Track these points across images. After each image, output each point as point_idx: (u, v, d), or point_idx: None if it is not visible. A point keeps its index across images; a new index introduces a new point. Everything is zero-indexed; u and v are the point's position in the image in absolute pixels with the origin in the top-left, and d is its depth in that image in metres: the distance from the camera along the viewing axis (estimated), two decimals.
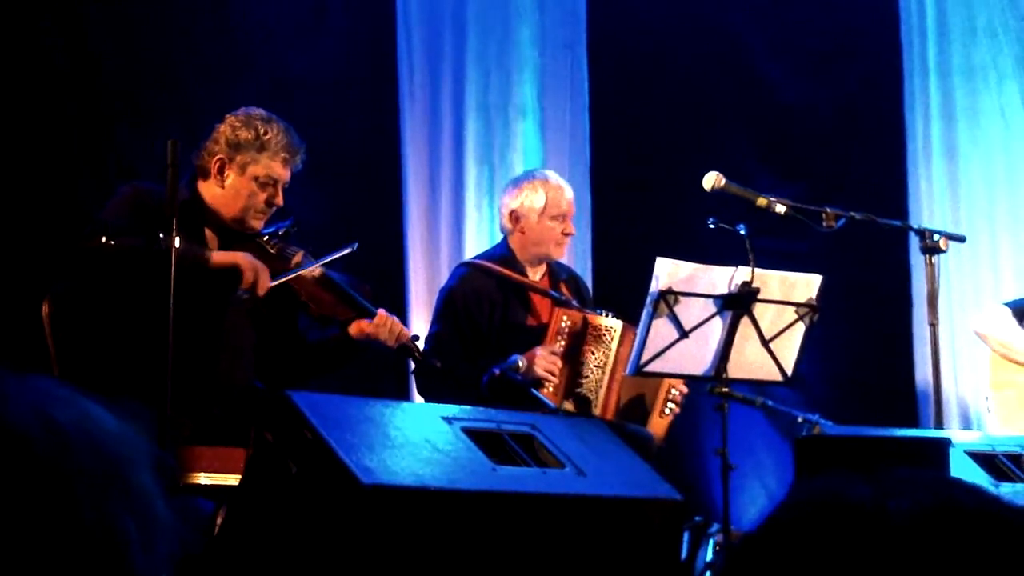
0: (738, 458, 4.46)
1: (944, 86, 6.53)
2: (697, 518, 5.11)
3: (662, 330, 4.25)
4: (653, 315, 4.23)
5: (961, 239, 4.72)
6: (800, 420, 4.80)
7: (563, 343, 4.67)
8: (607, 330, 4.72)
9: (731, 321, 4.30)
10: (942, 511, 0.93)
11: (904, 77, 6.55)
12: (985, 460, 3.83)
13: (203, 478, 3.64)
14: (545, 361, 4.56)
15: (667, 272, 4.24)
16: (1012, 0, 6.49)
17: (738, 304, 4.28)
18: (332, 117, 5.92)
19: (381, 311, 4.02)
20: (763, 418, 5.86)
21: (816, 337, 4.56)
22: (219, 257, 3.77)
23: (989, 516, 0.94)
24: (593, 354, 4.70)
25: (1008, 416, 5.32)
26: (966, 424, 6.21)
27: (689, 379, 4.63)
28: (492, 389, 4.49)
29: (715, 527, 5.03)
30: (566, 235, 4.90)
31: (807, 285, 4.41)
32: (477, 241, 6.09)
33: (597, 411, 4.67)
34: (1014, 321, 5.35)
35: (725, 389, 4.34)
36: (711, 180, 4.50)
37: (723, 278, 4.30)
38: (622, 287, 5.40)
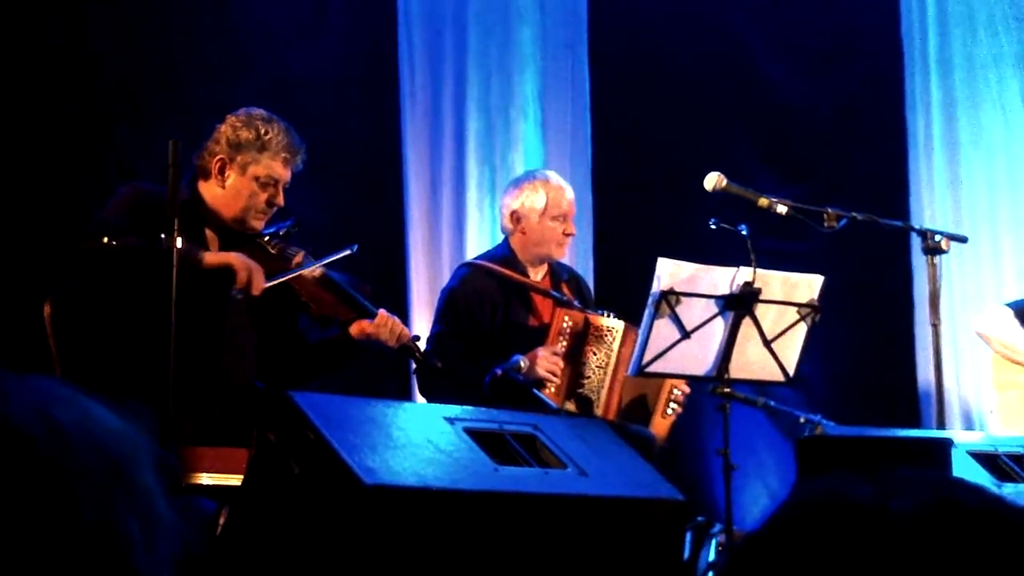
0: (740, 458, 4.46)
1: (945, 86, 6.53)
2: (699, 518, 5.11)
3: (664, 330, 4.25)
4: (655, 315, 4.23)
5: (963, 239, 4.72)
6: (802, 420, 4.80)
7: (565, 343, 4.67)
8: (609, 330, 4.72)
9: (733, 321, 4.30)
10: (944, 511, 0.93)
11: (905, 77, 6.55)
12: (987, 460, 3.83)
13: (205, 478, 3.64)
14: (547, 362, 4.56)
15: (669, 272, 4.24)
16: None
17: (740, 304, 4.28)
18: (333, 117, 5.92)
19: (382, 311, 4.02)
20: (765, 418, 5.85)
21: (818, 337, 4.56)
22: (212, 258, 3.76)
23: (991, 516, 0.94)
24: (595, 354, 4.70)
25: (1010, 416, 5.32)
26: (968, 424, 6.21)
27: (691, 379, 4.63)
28: (494, 390, 4.49)
29: (717, 527, 5.03)
30: (567, 235, 4.90)
31: (809, 285, 4.41)
32: (478, 241, 6.09)
33: (599, 411, 4.67)
34: (1016, 322, 5.35)
35: (727, 389, 4.33)
36: (712, 180, 4.50)
37: (725, 278, 4.29)
38: (624, 287, 5.40)
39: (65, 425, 0.91)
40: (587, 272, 6.04)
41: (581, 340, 4.70)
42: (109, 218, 3.73)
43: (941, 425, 4.57)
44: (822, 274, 4.43)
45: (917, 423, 6.00)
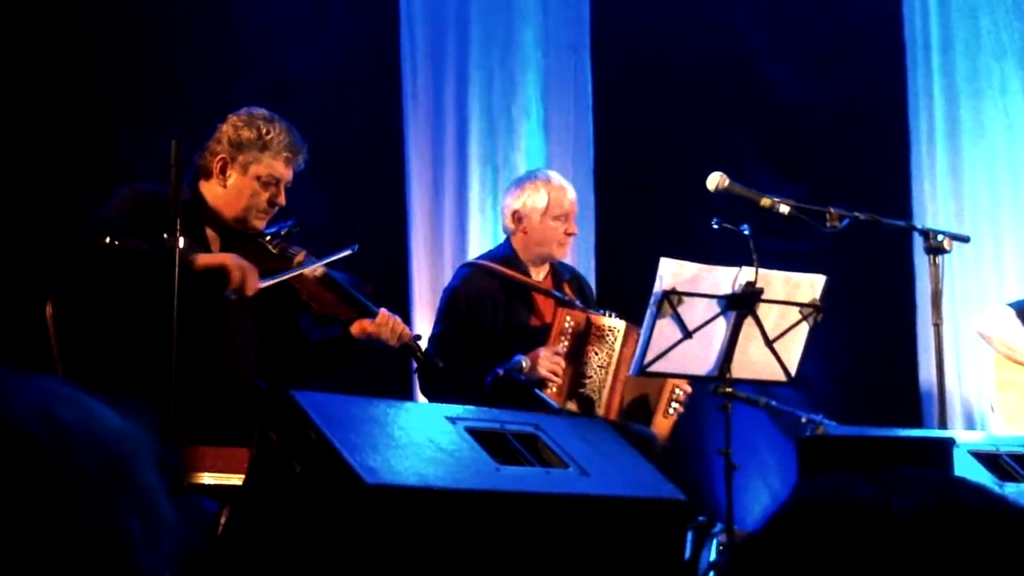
0: (742, 458, 4.46)
1: (947, 85, 6.52)
2: (701, 518, 5.11)
3: (666, 330, 4.25)
4: (657, 315, 4.23)
5: (965, 239, 4.72)
6: (804, 420, 4.80)
7: (566, 343, 4.67)
8: (610, 330, 4.72)
9: (735, 321, 4.30)
10: (946, 510, 0.93)
11: (907, 76, 6.55)
12: (989, 460, 3.82)
13: (207, 478, 3.64)
14: (548, 362, 4.56)
15: (671, 272, 4.24)
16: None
17: (742, 304, 4.28)
18: (335, 118, 5.92)
19: (383, 310, 4.02)
20: (767, 418, 5.85)
21: (820, 337, 4.56)
22: (205, 259, 3.73)
23: (993, 515, 0.94)
24: (596, 354, 4.70)
25: (1012, 416, 5.32)
26: (970, 424, 6.21)
27: (693, 379, 4.63)
28: (496, 390, 4.49)
29: (719, 527, 5.03)
30: (569, 235, 4.90)
31: (811, 285, 4.40)
32: (481, 241, 6.09)
33: (600, 411, 4.67)
34: (1018, 322, 5.35)
35: (729, 389, 4.34)
36: (715, 180, 4.50)
37: (727, 278, 4.29)
38: (626, 287, 5.40)
39: (67, 424, 0.91)
40: (589, 272, 6.04)
41: (583, 340, 4.70)
42: (111, 217, 3.73)
43: (943, 425, 4.56)
44: (824, 274, 4.43)
45: (919, 423, 5.99)
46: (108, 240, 3.58)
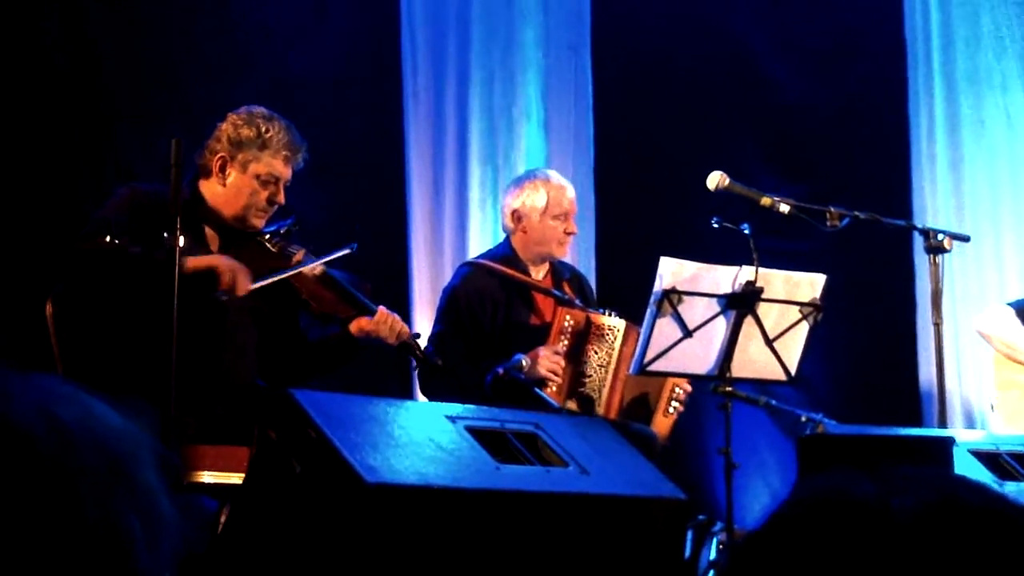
0: (742, 457, 4.46)
1: (948, 85, 6.52)
2: (701, 517, 5.11)
3: (666, 329, 4.25)
4: (657, 314, 4.23)
5: (965, 239, 4.72)
6: (804, 419, 4.80)
7: (566, 342, 4.67)
8: (610, 329, 4.72)
9: (735, 320, 4.30)
10: (946, 508, 0.93)
11: (908, 76, 6.55)
12: (989, 459, 3.82)
13: (207, 477, 3.64)
14: (548, 361, 4.56)
15: (671, 271, 4.24)
16: None
17: (742, 303, 4.28)
18: (335, 117, 5.92)
19: (381, 308, 4.02)
20: (767, 417, 5.86)
21: (820, 336, 4.56)
22: (195, 262, 3.69)
23: (993, 513, 0.94)
24: (596, 353, 4.70)
25: (1012, 415, 5.32)
26: (970, 423, 6.21)
27: (693, 378, 4.63)
28: (496, 389, 4.49)
29: (719, 526, 5.03)
30: (568, 234, 4.90)
31: (811, 284, 4.40)
32: (481, 241, 6.10)
33: (600, 410, 4.67)
34: (1018, 321, 5.34)
35: (729, 388, 4.34)
36: (715, 180, 4.50)
37: (727, 277, 4.29)
38: (626, 287, 5.40)
39: (67, 423, 0.91)
40: (589, 271, 6.04)
41: (583, 339, 4.70)
42: (111, 217, 3.73)
43: (943, 424, 4.56)
44: (824, 273, 4.43)
45: (919, 422, 5.99)
46: (109, 239, 3.58)
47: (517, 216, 4.89)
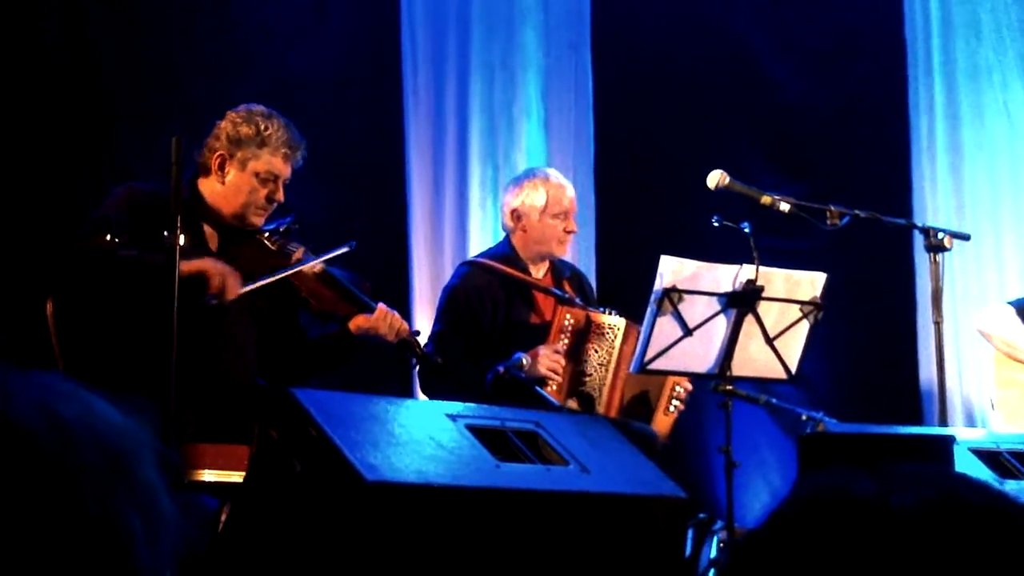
0: (742, 455, 4.46)
1: (948, 84, 6.52)
2: (701, 515, 5.11)
3: (666, 328, 4.25)
4: (657, 313, 4.23)
5: (966, 237, 4.72)
6: (804, 418, 4.80)
7: (566, 341, 4.67)
8: (610, 328, 4.72)
9: (735, 319, 4.30)
10: (946, 506, 0.93)
11: (908, 75, 6.54)
12: (989, 457, 3.82)
13: (207, 475, 3.64)
14: (549, 359, 4.56)
15: (671, 270, 4.24)
16: None
17: (742, 302, 4.28)
18: (335, 117, 5.93)
19: (380, 305, 4.02)
20: (767, 416, 5.85)
21: (820, 335, 4.56)
22: (185, 267, 3.68)
23: (993, 511, 0.94)
24: (596, 352, 4.70)
25: (1012, 414, 5.32)
26: (970, 422, 6.20)
27: (693, 377, 4.63)
28: (496, 387, 4.49)
29: (719, 524, 5.03)
30: (568, 233, 4.90)
31: (811, 283, 4.40)
32: (481, 240, 6.10)
33: (601, 409, 4.67)
34: (1018, 320, 5.34)
35: (729, 387, 4.34)
36: (715, 178, 4.50)
37: (727, 276, 4.29)
38: (626, 285, 5.40)
39: (68, 420, 0.91)
40: (590, 270, 6.04)
41: (583, 337, 4.70)
42: (110, 215, 3.72)
43: (943, 422, 4.56)
44: (825, 272, 4.43)
45: (919, 420, 5.99)
46: (109, 238, 3.57)
47: (517, 215, 4.89)
